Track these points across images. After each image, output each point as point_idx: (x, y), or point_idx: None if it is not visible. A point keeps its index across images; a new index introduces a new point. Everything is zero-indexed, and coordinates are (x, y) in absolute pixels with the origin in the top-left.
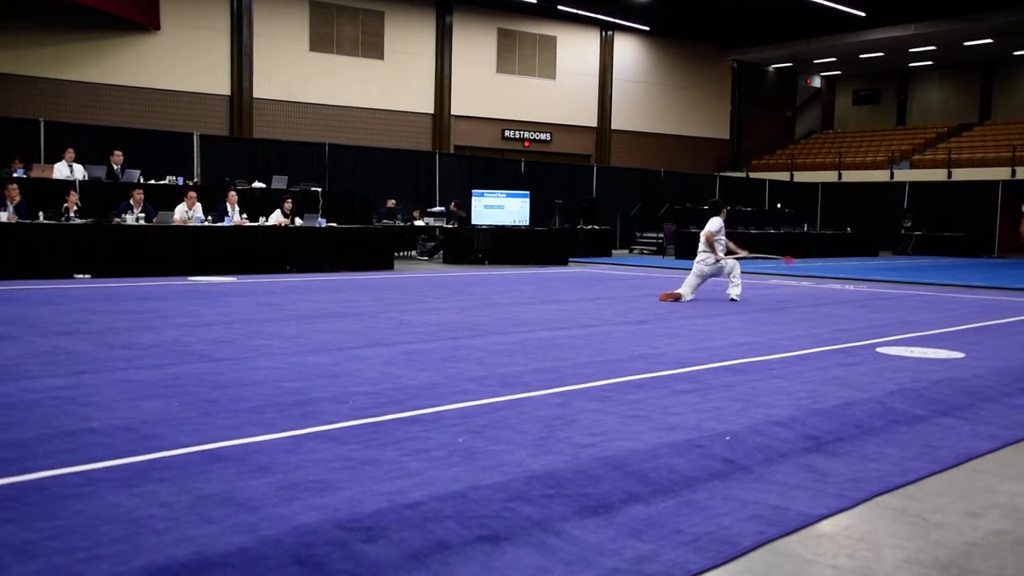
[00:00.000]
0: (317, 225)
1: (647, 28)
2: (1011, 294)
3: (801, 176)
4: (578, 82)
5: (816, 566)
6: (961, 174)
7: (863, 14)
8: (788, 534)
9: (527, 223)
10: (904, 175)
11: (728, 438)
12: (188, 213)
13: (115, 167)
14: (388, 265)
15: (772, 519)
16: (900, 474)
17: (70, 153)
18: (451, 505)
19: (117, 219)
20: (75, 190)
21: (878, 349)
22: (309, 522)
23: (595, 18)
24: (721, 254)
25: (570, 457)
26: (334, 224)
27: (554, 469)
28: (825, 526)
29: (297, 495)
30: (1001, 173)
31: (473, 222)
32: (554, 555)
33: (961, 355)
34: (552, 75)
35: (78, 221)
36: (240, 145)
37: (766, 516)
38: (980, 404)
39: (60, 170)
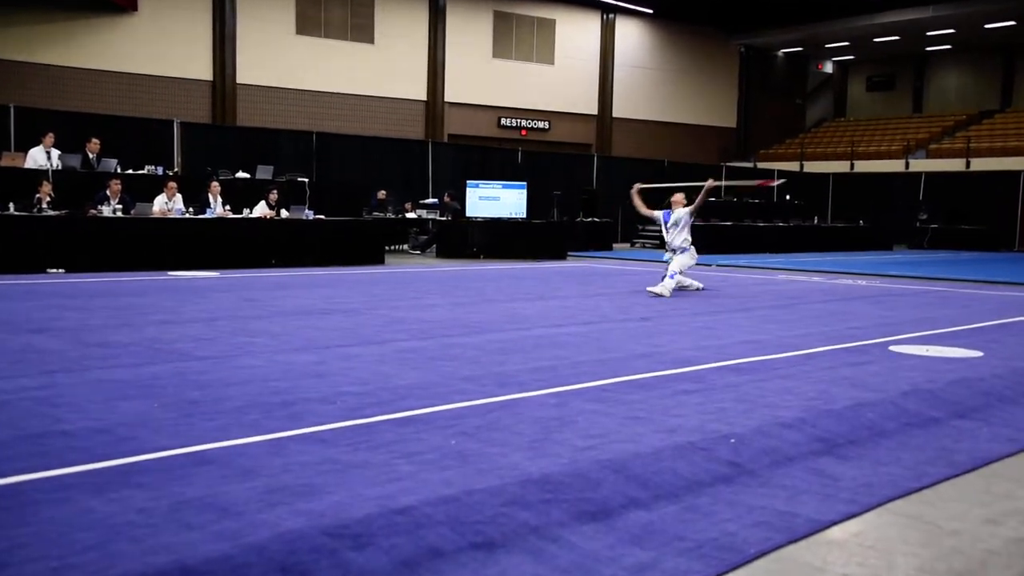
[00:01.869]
0: (304, 217)
1: (650, 11)
2: None
3: (811, 166)
4: (578, 68)
5: (825, 574)
6: (980, 164)
7: None
8: (796, 541)
9: (524, 215)
10: (920, 165)
11: (733, 440)
12: (168, 204)
13: (91, 156)
14: (379, 259)
15: (779, 525)
16: (914, 479)
17: (49, 139)
18: (444, 510)
19: (93, 211)
20: (48, 180)
21: (891, 348)
22: (295, 528)
23: (596, 0)
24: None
25: (568, 460)
26: (322, 216)
27: (551, 473)
28: (835, 532)
29: (282, 500)
30: (1023, 163)
31: (468, 214)
32: (551, 563)
33: (979, 354)
34: (551, 60)
35: (51, 213)
36: (223, 133)
37: (773, 522)
38: (999, 406)
39: (36, 156)
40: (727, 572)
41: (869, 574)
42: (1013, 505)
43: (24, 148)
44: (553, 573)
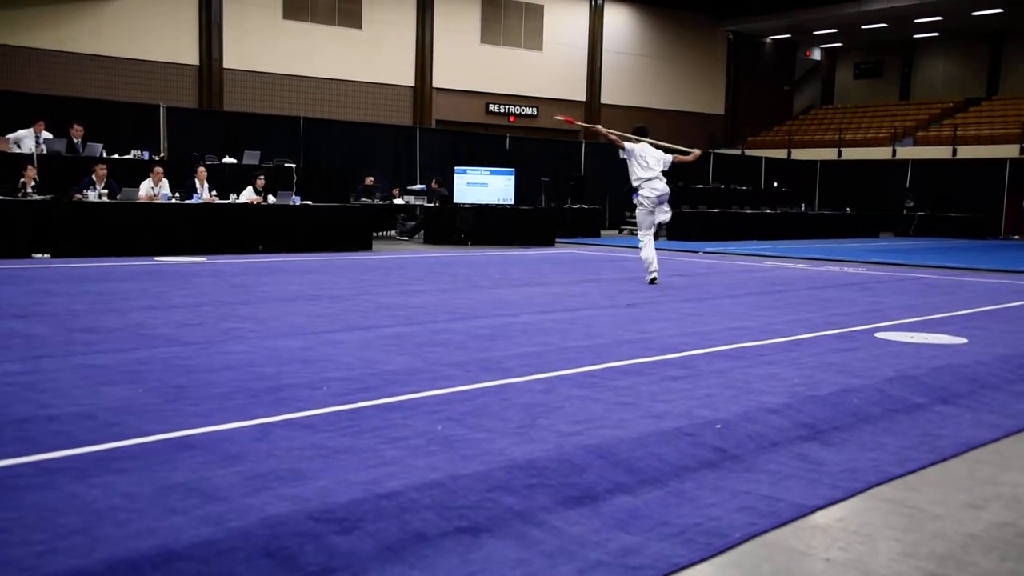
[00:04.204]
0: (291, 203)
1: None
2: (1017, 277)
3: (799, 154)
4: (566, 54)
5: (809, 559)
6: (967, 151)
7: None
8: (780, 526)
9: (512, 202)
10: (907, 152)
11: (719, 426)
12: (154, 190)
13: (75, 141)
14: (366, 245)
15: (764, 510)
16: (898, 464)
17: (40, 125)
18: (429, 495)
19: (78, 196)
20: (33, 164)
21: (877, 334)
22: (280, 513)
23: None
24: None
25: (554, 446)
26: (309, 202)
27: (537, 458)
28: (819, 518)
29: (267, 485)
30: (1009, 151)
31: (455, 200)
32: (536, 547)
33: (964, 341)
34: (539, 46)
35: (36, 197)
36: (209, 118)
37: (757, 507)
38: (982, 392)
39: (25, 138)
40: (712, 557)
41: (852, 559)
42: (995, 490)
43: (7, 132)
44: (538, 558)
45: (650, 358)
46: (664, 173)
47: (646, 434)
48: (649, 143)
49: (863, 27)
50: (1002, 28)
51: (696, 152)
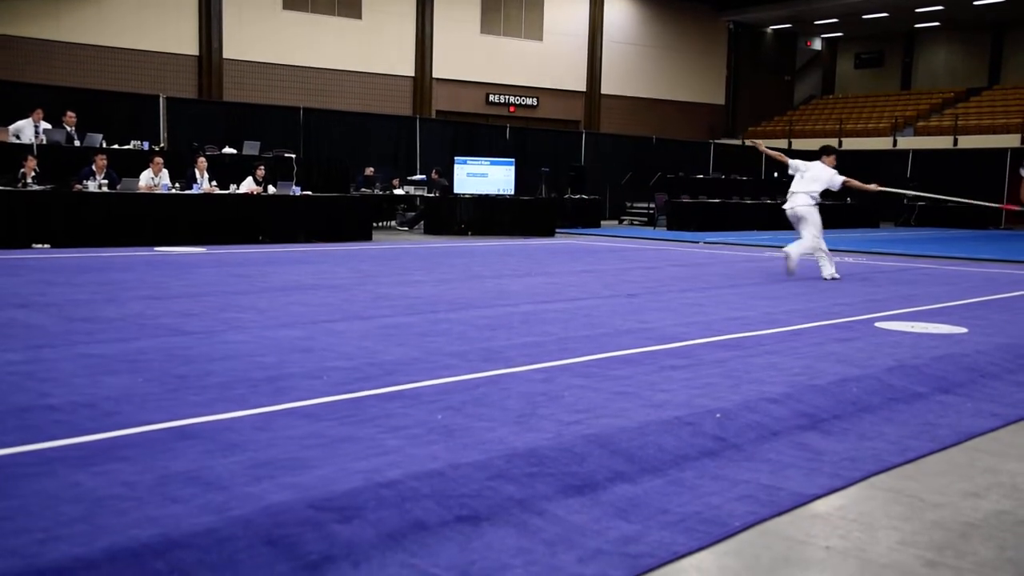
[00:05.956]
0: (291, 193)
1: None
2: (1018, 267)
3: (800, 144)
4: (567, 44)
5: (808, 547)
6: (968, 141)
7: None
8: (780, 514)
9: (512, 192)
10: (908, 142)
11: (719, 415)
12: (154, 180)
13: (68, 128)
14: (366, 236)
15: (763, 499)
16: (897, 453)
17: (38, 114)
18: (429, 484)
19: (78, 186)
20: (33, 155)
21: (877, 324)
22: (281, 501)
23: None
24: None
25: (554, 435)
26: (309, 192)
27: (537, 447)
28: (818, 506)
29: (268, 474)
30: (1010, 140)
31: (455, 191)
32: (536, 536)
33: (964, 330)
34: (539, 36)
35: (36, 188)
36: (209, 108)
37: (757, 496)
38: (982, 381)
39: (25, 128)
40: (711, 545)
41: (852, 547)
42: (995, 479)
43: (7, 123)
44: (538, 546)
45: (650, 348)
46: (831, 192)
47: (646, 423)
48: (822, 163)
49: (864, 17)
50: (1004, 17)
51: (870, 186)
